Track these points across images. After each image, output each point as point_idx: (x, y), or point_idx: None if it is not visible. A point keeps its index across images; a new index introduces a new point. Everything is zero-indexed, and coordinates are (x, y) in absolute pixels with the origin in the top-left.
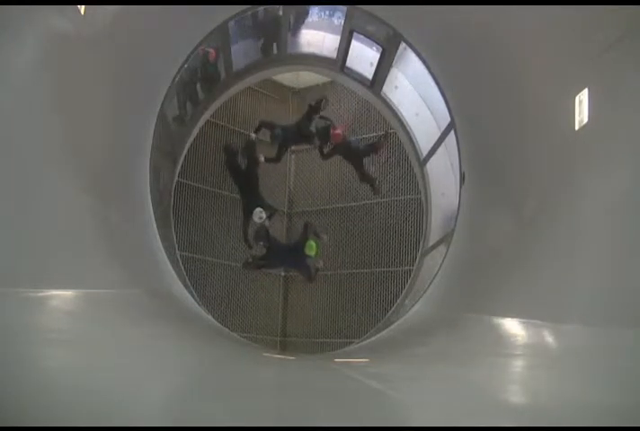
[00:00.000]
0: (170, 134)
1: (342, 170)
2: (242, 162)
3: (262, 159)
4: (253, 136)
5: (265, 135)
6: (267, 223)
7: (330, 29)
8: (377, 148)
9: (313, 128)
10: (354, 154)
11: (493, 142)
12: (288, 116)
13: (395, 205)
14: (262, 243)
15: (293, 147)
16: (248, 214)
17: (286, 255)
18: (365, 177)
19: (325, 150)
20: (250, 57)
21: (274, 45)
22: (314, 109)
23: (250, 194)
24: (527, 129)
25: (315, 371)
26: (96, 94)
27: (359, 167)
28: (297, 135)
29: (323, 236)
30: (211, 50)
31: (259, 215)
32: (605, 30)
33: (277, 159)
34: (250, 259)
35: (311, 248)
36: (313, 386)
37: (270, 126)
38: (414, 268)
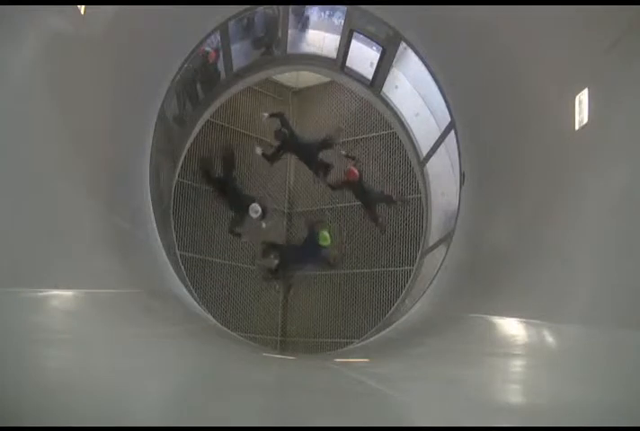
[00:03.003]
0: (170, 134)
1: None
2: (218, 172)
3: (258, 152)
4: (265, 115)
5: (265, 134)
6: (264, 225)
7: (330, 29)
8: (390, 201)
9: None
10: (366, 198)
11: (493, 142)
12: (288, 116)
13: (395, 205)
14: (272, 257)
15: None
16: (237, 214)
17: (301, 256)
18: (373, 218)
19: (333, 182)
20: (250, 57)
21: (274, 45)
22: (327, 142)
23: (235, 198)
24: (527, 129)
25: (315, 371)
26: (96, 94)
27: (368, 208)
28: (299, 149)
29: (332, 225)
30: (211, 51)
31: (254, 208)
32: (605, 30)
33: (272, 158)
34: (269, 275)
35: (325, 238)
36: (313, 386)
37: (283, 121)
38: (414, 268)
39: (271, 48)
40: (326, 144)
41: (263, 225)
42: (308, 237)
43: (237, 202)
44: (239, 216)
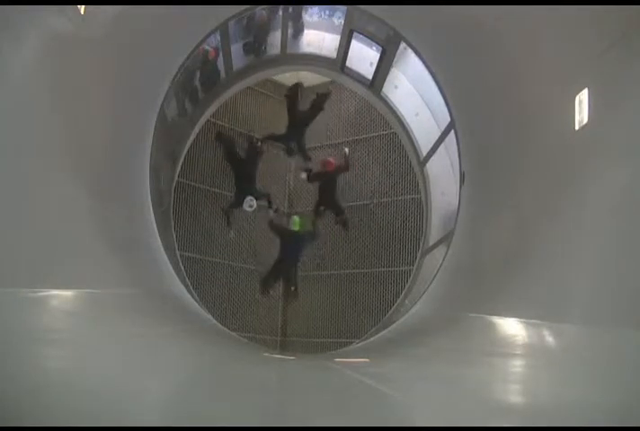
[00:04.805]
0: (170, 134)
1: None
2: (240, 152)
3: (303, 176)
4: (258, 144)
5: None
6: (272, 214)
7: (330, 29)
8: (340, 214)
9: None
10: (329, 196)
11: (493, 142)
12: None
13: (395, 205)
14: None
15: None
16: (239, 199)
17: (288, 248)
18: (318, 212)
19: (311, 172)
20: (250, 57)
21: (264, 48)
22: (292, 97)
23: (244, 181)
24: (527, 129)
25: (315, 371)
26: (96, 94)
27: (318, 207)
28: (300, 126)
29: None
30: (210, 49)
31: (249, 203)
32: (605, 30)
33: (309, 159)
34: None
35: (295, 223)
36: (313, 386)
37: (276, 138)
38: (414, 268)
39: (259, 53)
40: (317, 107)
41: (271, 213)
42: (285, 231)
43: (245, 188)
44: (237, 203)
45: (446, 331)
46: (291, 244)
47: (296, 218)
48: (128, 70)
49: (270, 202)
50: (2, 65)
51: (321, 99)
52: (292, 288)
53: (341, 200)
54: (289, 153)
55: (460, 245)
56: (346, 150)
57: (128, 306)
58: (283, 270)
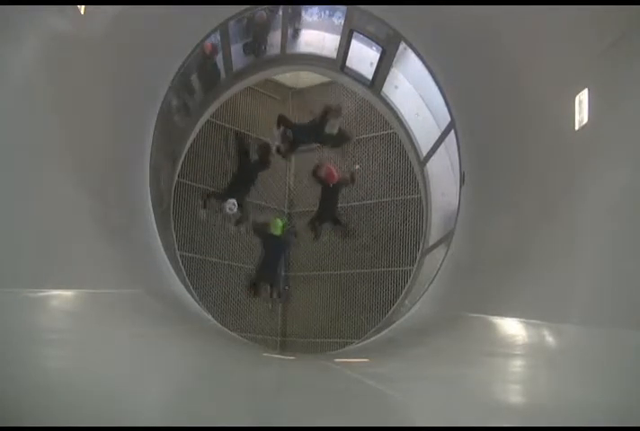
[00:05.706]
0: (170, 134)
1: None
2: (252, 157)
3: (274, 148)
4: (275, 132)
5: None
6: (232, 228)
7: (330, 29)
8: (339, 226)
9: (328, 130)
10: (329, 208)
11: (493, 142)
12: (288, 116)
13: (395, 205)
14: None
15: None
16: (225, 195)
17: (272, 252)
18: (312, 227)
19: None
20: (250, 57)
21: (264, 48)
22: (327, 114)
23: (239, 183)
24: (527, 129)
25: (315, 371)
26: (96, 94)
27: (318, 219)
28: (309, 134)
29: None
30: (207, 43)
31: (230, 206)
32: (605, 30)
33: (286, 154)
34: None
35: (276, 227)
36: (313, 386)
37: (286, 123)
38: (414, 268)
39: (259, 53)
40: (326, 118)
41: (231, 228)
42: (265, 234)
43: (236, 191)
44: (220, 197)
45: (446, 331)
46: (274, 247)
47: (279, 222)
48: (128, 70)
49: (241, 213)
50: (2, 65)
51: (342, 137)
52: (286, 288)
53: (340, 215)
54: (277, 150)
55: (460, 245)
56: (357, 166)
57: (128, 306)
58: (270, 272)
